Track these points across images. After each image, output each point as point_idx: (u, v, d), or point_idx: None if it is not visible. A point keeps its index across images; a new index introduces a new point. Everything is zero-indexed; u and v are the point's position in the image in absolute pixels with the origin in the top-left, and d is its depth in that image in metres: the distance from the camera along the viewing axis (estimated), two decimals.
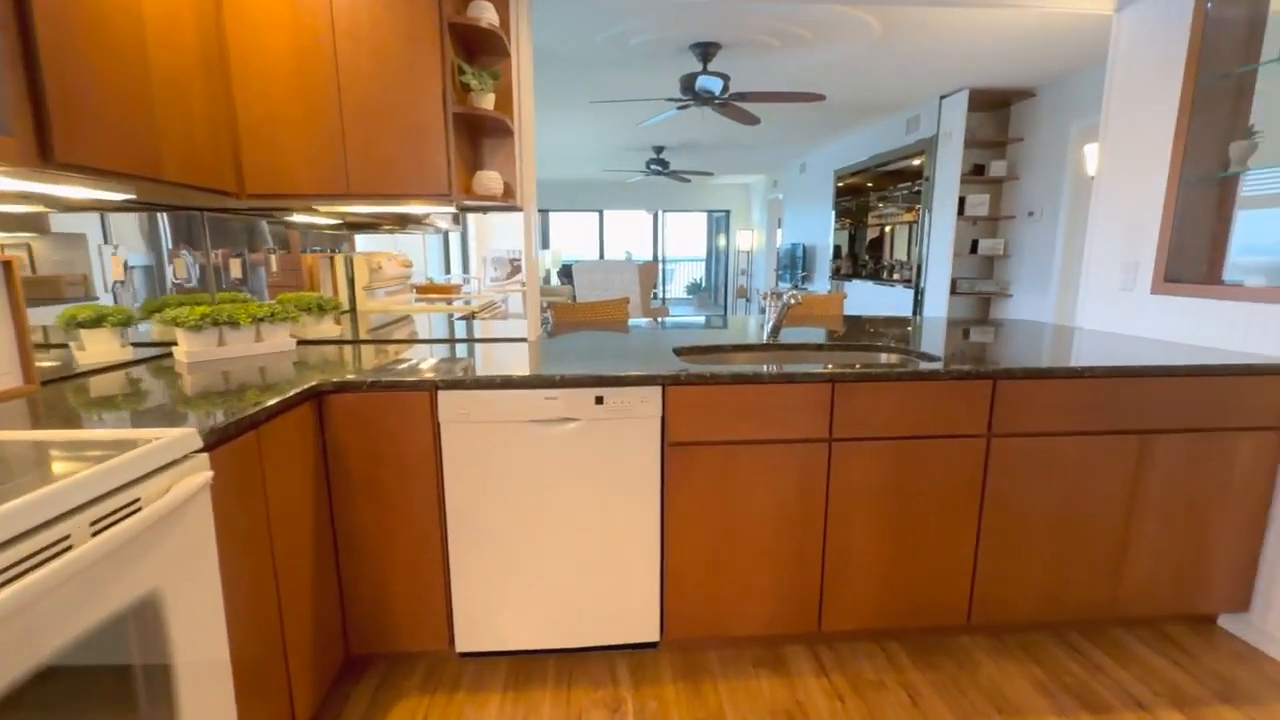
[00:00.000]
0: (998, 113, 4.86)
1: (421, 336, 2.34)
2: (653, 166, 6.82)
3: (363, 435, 1.52)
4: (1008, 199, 4.84)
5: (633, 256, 13.24)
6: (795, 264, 8.11)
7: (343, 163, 1.72)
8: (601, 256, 12.23)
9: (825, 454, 1.63)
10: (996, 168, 4.70)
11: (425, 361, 1.70)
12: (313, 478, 1.45)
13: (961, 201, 4.69)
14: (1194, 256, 2.09)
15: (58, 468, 0.80)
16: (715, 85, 3.06)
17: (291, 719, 1.33)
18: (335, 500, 1.54)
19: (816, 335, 2.20)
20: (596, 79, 3.97)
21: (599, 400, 1.56)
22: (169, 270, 1.96)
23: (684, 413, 1.57)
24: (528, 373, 1.53)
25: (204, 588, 1.00)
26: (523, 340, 2.11)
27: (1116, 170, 2.29)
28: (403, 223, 2.38)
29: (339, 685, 1.66)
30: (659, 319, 2.86)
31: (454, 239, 2.47)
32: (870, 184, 7.02)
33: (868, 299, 6.35)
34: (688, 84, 3.24)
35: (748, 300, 10.22)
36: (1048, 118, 4.39)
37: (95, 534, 0.77)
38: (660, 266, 12.10)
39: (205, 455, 1.01)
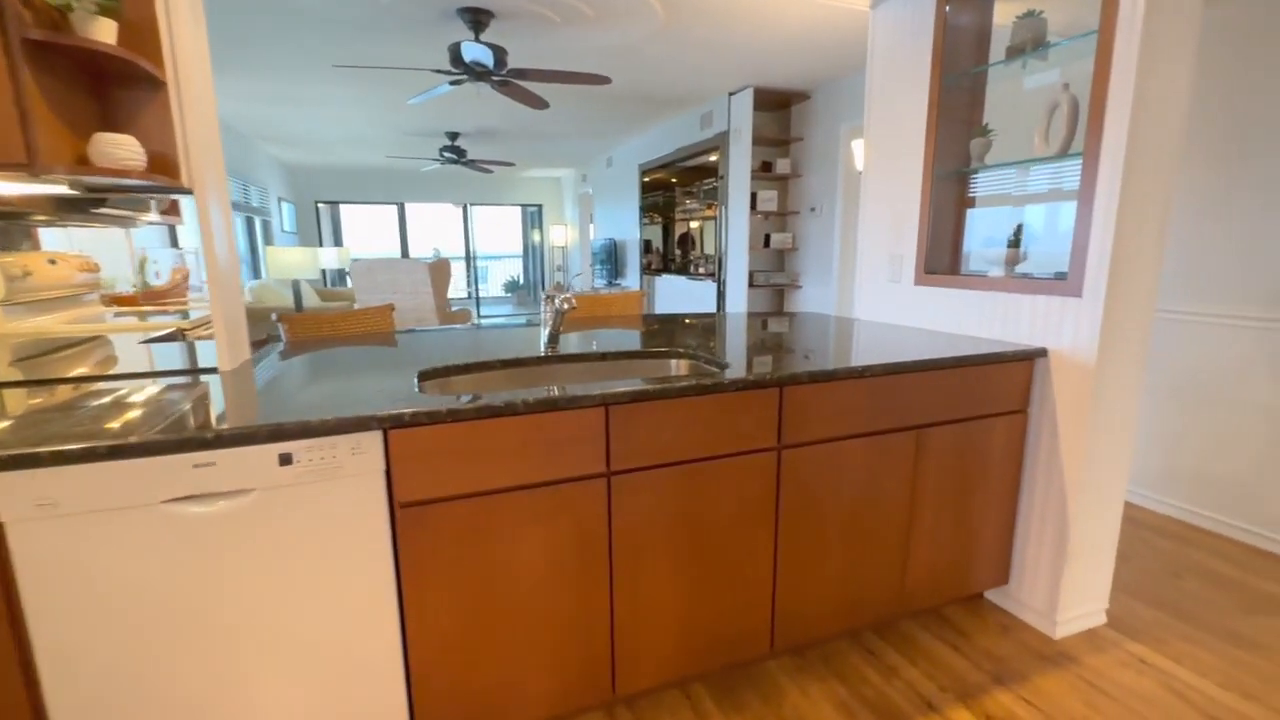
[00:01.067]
0: (780, 113, 5.11)
1: (82, 371, 1.64)
2: (446, 154, 6.19)
3: None
4: (793, 195, 5.11)
5: (440, 253, 12.28)
6: (611, 259, 8.01)
7: None
8: (405, 254, 11.16)
9: (604, 491, 1.35)
10: (782, 165, 4.93)
11: None
12: None
13: (754, 197, 4.85)
14: (946, 249, 2.20)
15: None
16: (485, 56, 2.67)
17: None
18: None
19: (611, 340, 1.94)
20: (347, 42, 3.34)
21: (285, 460, 1.11)
22: None
23: (417, 462, 1.19)
24: (193, 424, 1.03)
25: None
26: (210, 372, 1.54)
27: (880, 167, 2.35)
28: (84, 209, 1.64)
29: None
30: (470, 323, 2.41)
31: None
32: (675, 180, 7.13)
33: (677, 293, 6.41)
34: (456, 55, 2.81)
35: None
36: (822, 119, 4.68)
37: None
38: (471, 264, 11.36)
39: None
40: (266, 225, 7.13)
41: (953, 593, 1.86)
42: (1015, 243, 2.03)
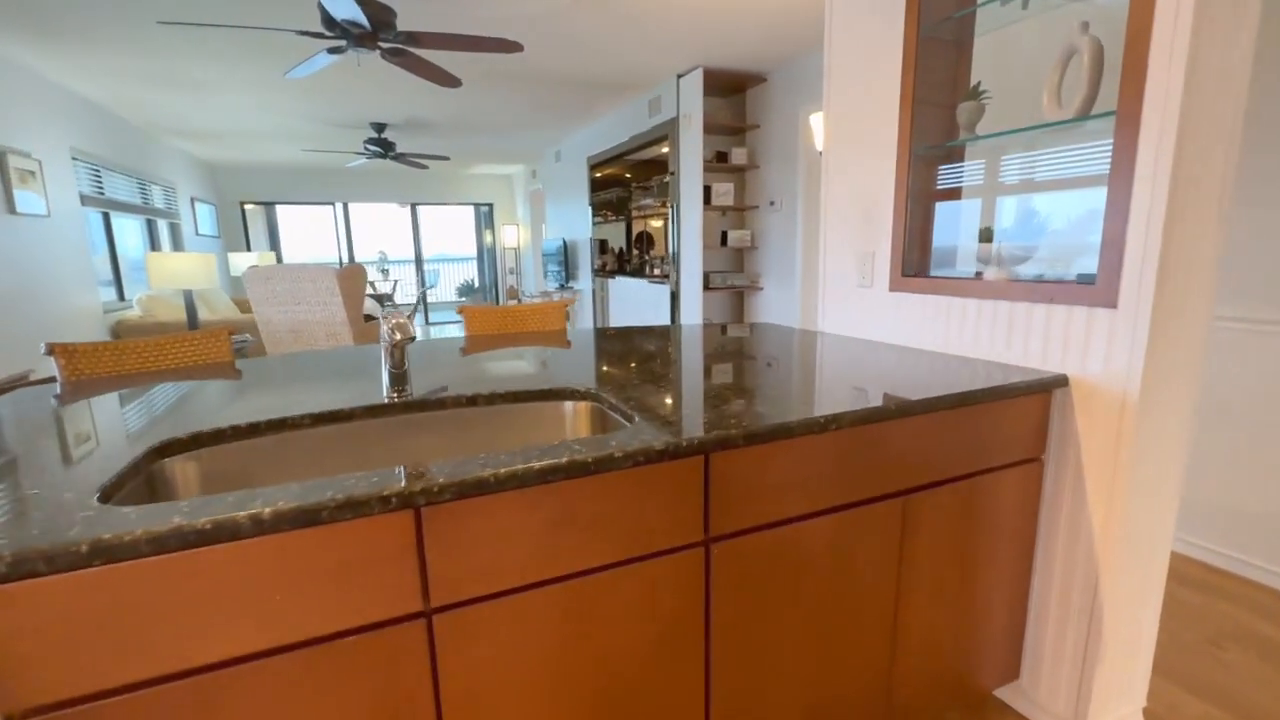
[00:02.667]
0: (734, 98, 4.66)
1: None
2: (371, 147, 5.58)
3: None
4: (751, 188, 4.67)
5: (387, 257, 11.60)
6: (563, 261, 7.49)
7: None
8: (351, 257, 10.46)
9: (423, 639, 0.85)
10: (738, 155, 4.49)
11: None
12: None
13: (708, 190, 4.39)
14: (928, 246, 1.75)
15: None
16: (355, 13, 2.13)
17: None
18: None
19: (497, 372, 1.44)
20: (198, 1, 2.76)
21: None
22: None
23: (38, 640, 0.67)
24: None
25: None
26: None
27: (844, 146, 1.89)
28: None
29: None
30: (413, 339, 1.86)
31: None
32: (629, 174, 6.65)
33: (631, 297, 5.93)
34: (327, 16, 2.27)
35: (519, 302, 9.39)
36: (780, 103, 4.24)
37: None
38: (420, 267, 10.70)
39: None
40: (175, 228, 6.40)
41: (953, 695, 1.41)
42: (992, 237, 1.59)
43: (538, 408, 1.32)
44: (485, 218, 10.98)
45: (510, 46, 2.54)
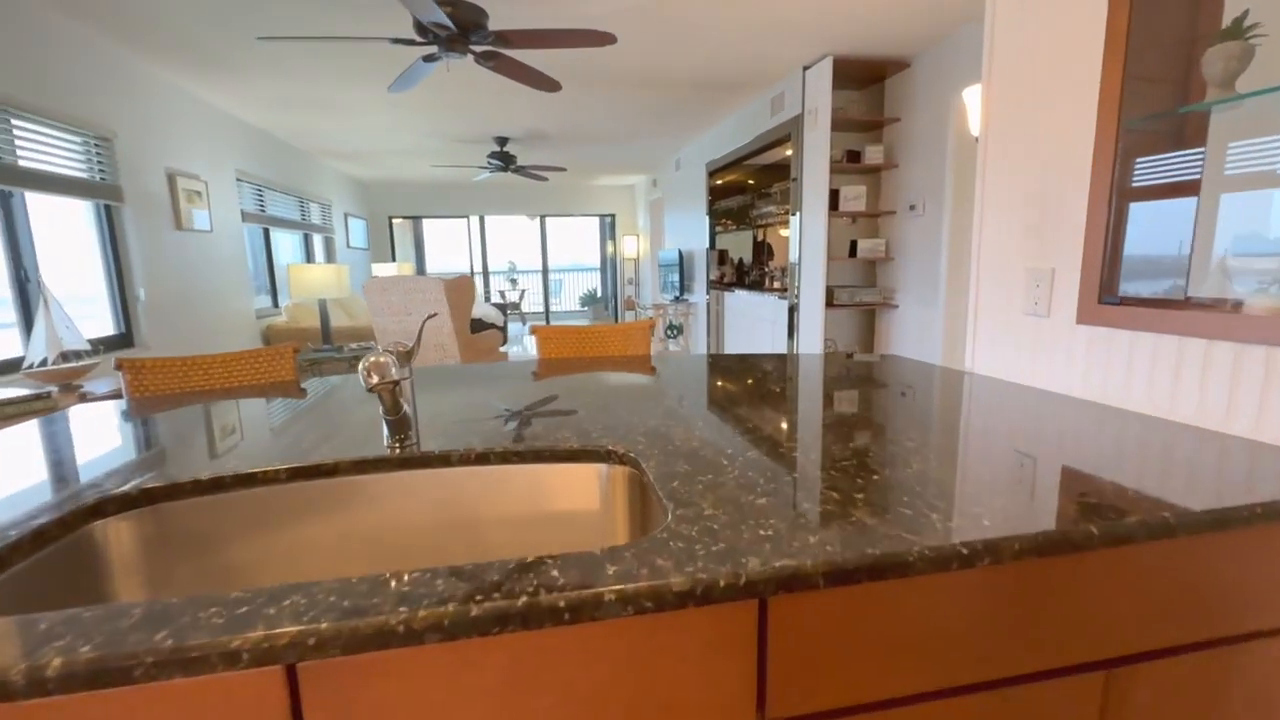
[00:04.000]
0: (870, 89, 4.11)
1: None
2: (493, 161, 5.71)
3: None
4: (887, 190, 4.08)
5: (516, 266, 12.10)
6: (682, 272, 7.23)
7: None
8: (484, 268, 11.03)
9: None
10: (872, 154, 3.93)
11: None
12: None
13: (835, 195, 3.89)
14: (1143, 260, 1.22)
15: None
16: (440, 16, 2.00)
17: None
18: None
19: (556, 406, 1.18)
20: (283, 15, 2.83)
21: None
22: None
23: None
24: None
25: None
26: None
27: (1012, 126, 1.41)
28: None
29: None
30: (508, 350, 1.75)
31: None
32: (750, 180, 6.25)
33: (747, 312, 5.51)
34: (418, 23, 2.19)
35: (635, 314, 9.29)
36: (925, 90, 3.64)
37: None
38: (545, 277, 11.00)
39: None
40: (329, 241, 7.04)
41: None
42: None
43: (564, 471, 1.02)
44: (609, 228, 11.06)
45: (602, 39, 2.31)
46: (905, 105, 3.83)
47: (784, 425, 1.12)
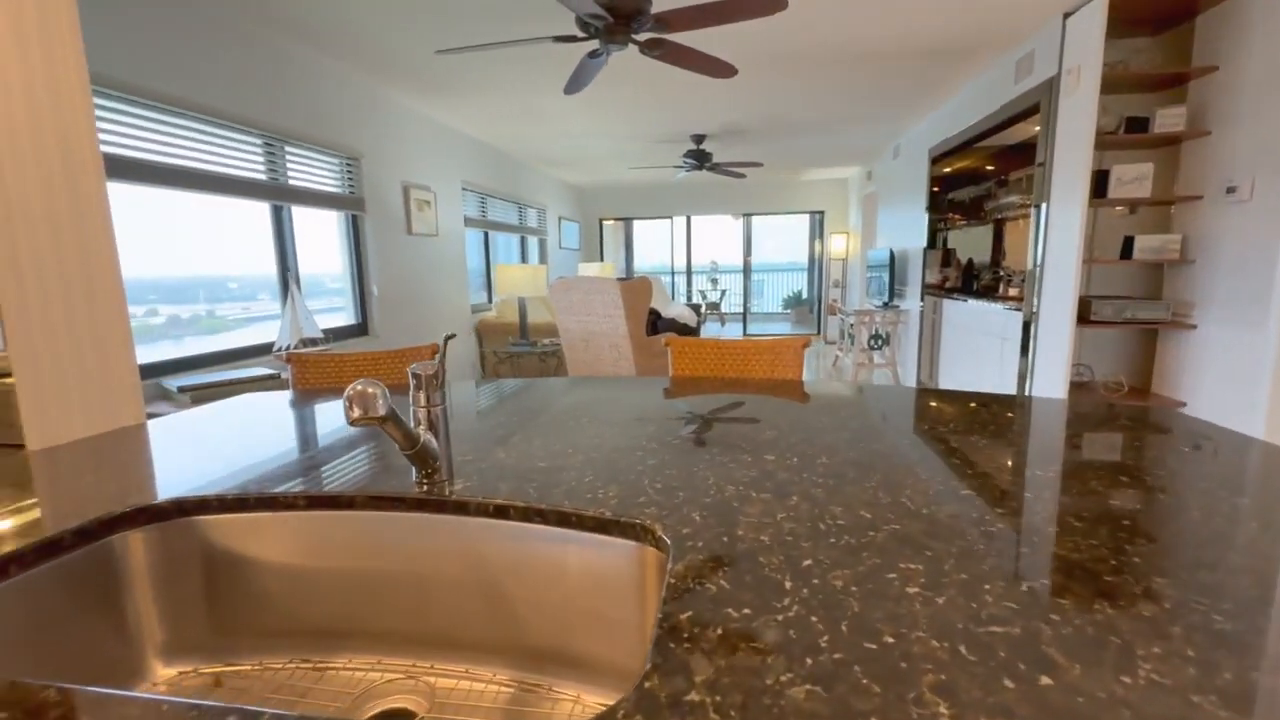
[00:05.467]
0: (1172, 33, 3.06)
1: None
2: (688, 160, 5.59)
3: None
4: (1189, 169, 3.01)
5: (718, 266, 11.99)
6: (892, 275, 6.38)
7: None
8: (687, 268, 11.13)
9: None
10: (1168, 119, 2.92)
11: None
12: None
13: (1102, 177, 2.97)
14: None
15: None
16: (588, 6, 1.86)
17: None
18: None
19: (642, 442, 0.97)
20: (453, 27, 2.93)
21: None
22: None
23: None
24: None
25: None
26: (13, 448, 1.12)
27: None
28: None
29: None
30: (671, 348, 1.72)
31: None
32: (990, 165, 5.22)
33: (967, 324, 4.59)
34: (580, 19, 2.09)
35: (843, 319, 8.51)
36: (1266, 26, 2.57)
37: None
38: (747, 277, 10.68)
39: None
40: (542, 243, 7.66)
41: None
42: None
43: (591, 543, 0.79)
44: (817, 226, 10.34)
45: (771, 6, 1.98)
46: (1229, 49, 2.75)
47: (1020, 511, 0.73)
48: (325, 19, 2.91)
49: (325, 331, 3.27)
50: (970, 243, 5.59)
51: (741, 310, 10.78)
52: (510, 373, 5.06)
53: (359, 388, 0.73)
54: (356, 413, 0.73)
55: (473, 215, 5.63)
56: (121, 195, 2.53)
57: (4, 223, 1.05)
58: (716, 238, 12.90)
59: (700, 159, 5.57)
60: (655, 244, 11.70)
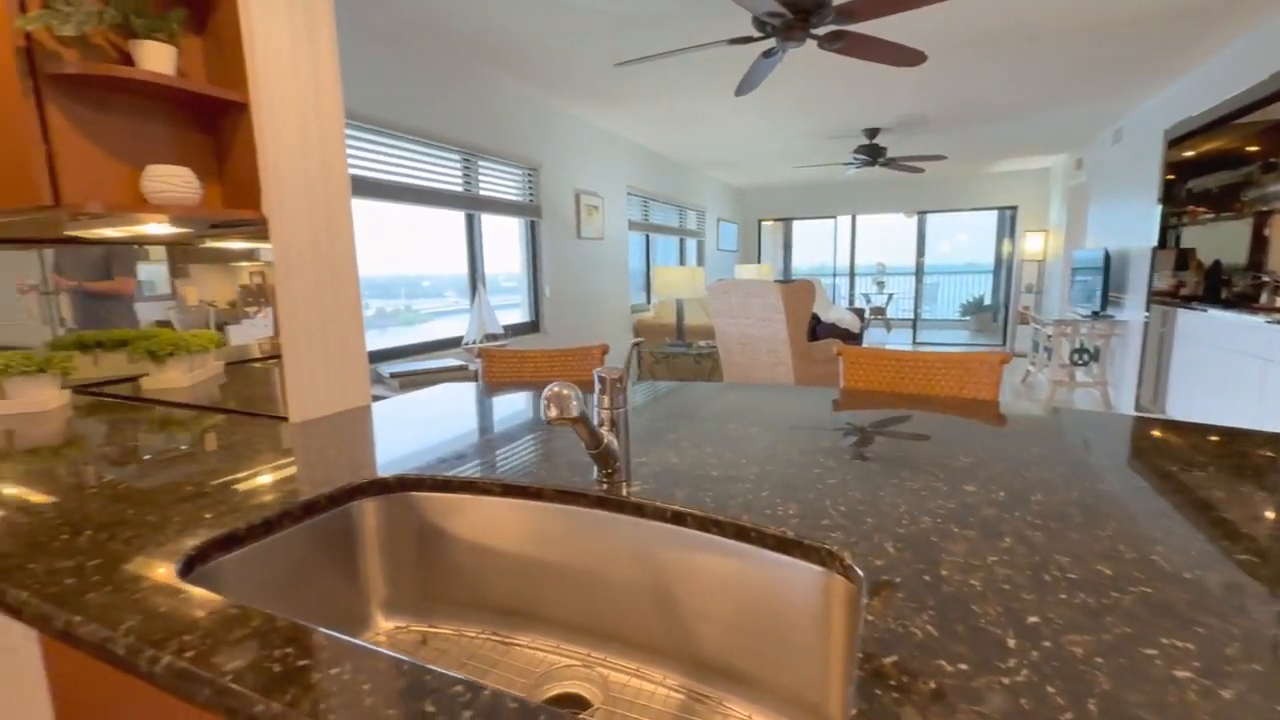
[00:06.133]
0: None
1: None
2: (859, 156, 5.26)
3: None
4: None
5: (885, 268, 11.21)
6: (1106, 279, 5.46)
7: None
8: (850, 270, 10.56)
9: None
10: None
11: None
12: None
13: None
14: None
15: None
16: (767, 4, 1.79)
17: None
18: None
19: (815, 458, 0.95)
20: (637, 37, 2.97)
21: None
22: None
23: (79, 705, 0.65)
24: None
25: None
26: (277, 419, 1.37)
27: None
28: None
29: None
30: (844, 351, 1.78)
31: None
32: (1253, 146, 4.25)
33: (1212, 340, 3.78)
34: (757, 18, 2.04)
35: (1036, 328, 7.48)
36: None
37: None
38: (919, 278, 9.83)
39: None
40: (700, 245, 7.71)
41: None
42: None
43: (769, 561, 0.76)
44: (1007, 224, 9.21)
45: None
46: None
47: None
48: (514, 44, 3.19)
49: (504, 327, 3.59)
50: (1216, 241, 4.61)
51: (911, 316, 9.96)
52: (665, 373, 5.16)
53: (555, 390, 0.78)
54: (553, 412, 0.78)
55: (636, 219, 5.83)
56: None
57: (285, 232, 1.29)
58: (884, 237, 12.04)
59: (873, 154, 5.22)
60: (815, 245, 11.24)
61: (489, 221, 3.92)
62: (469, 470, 1.00)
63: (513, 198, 4.02)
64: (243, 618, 0.58)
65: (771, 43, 2.23)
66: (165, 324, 2.02)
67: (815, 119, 4.92)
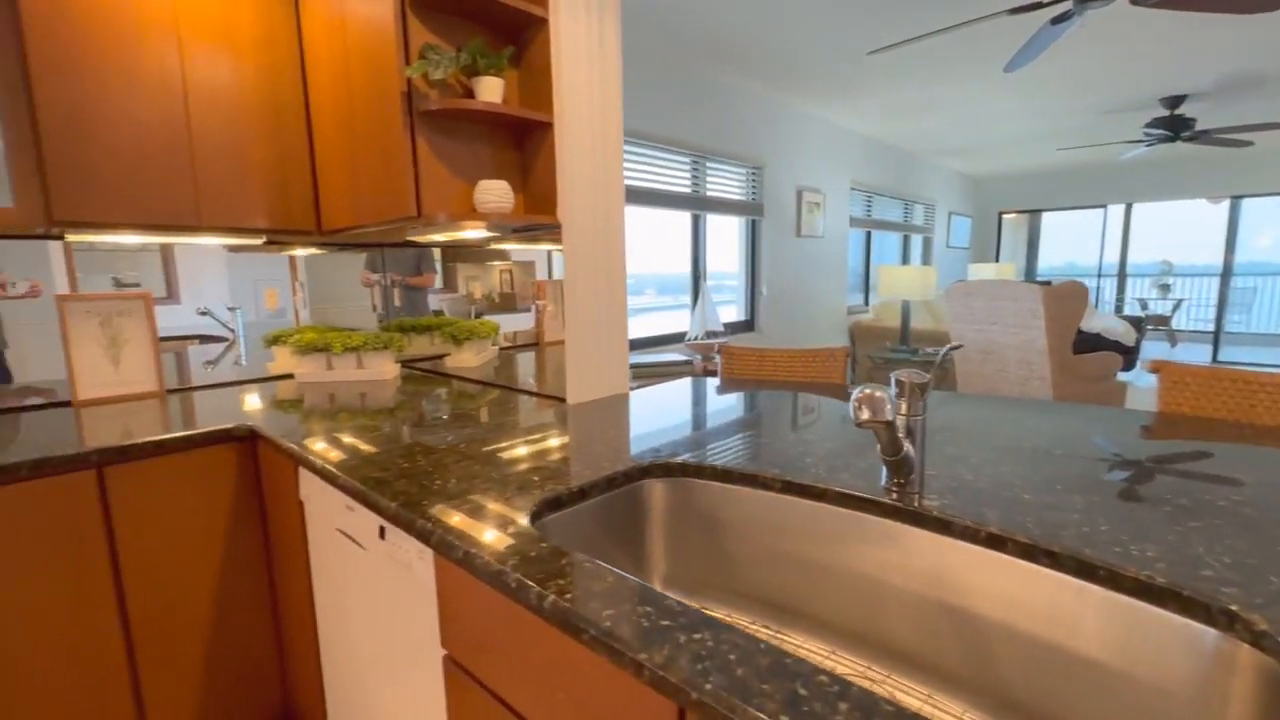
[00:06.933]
0: None
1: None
2: (1154, 132, 4.30)
3: (256, 493, 1.39)
4: None
5: (1172, 268, 9.14)
6: None
7: (353, 192, 1.60)
8: (1121, 269, 8.82)
9: None
10: None
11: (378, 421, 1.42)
12: (230, 525, 1.39)
13: None
14: None
15: None
16: None
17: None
18: (272, 551, 1.46)
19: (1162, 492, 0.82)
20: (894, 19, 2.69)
21: (381, 533, 0.97)
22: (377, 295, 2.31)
23: (463, 612, 0.81)
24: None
25: None
26: (557, 400, 1.55)
27: None
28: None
29: None
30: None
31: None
32: None
33: None
34: None
35: None
36: None
37: None
38: (1225, 279, 7.82)
39: None
40: (927, 241, 7.03)
41: None
42: None
43: (1122, 607, 0.65)
44: None
45: None
46: None
47: None
48: (748, 41, 3.20)
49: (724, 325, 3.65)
50: None
51: (1211, 328, 7.95)
52: (884, 381, 4.81)
53: (869, 392, 0.76)
54: (865, 414, 0.76)
55: (857, 215, 5.51)
56: None
57: (575, 235, 1.45)
58: (1170, 230, 9.82)
59: (1174, 127, 4.24)
60: (1069, 240, 9.55)
61: (712, 221, 4.02)
62: (733, 461, 1.03)
63: (736, 197, 4.06)
64: (597, 573, 0.67)
65: (1067, 4, 1.91)
66: (439, 313, 2.44)
67: (1095, 92, 4.15)
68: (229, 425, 1.36)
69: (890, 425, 0.77)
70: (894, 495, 0.87)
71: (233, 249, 1.93)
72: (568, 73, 1.40)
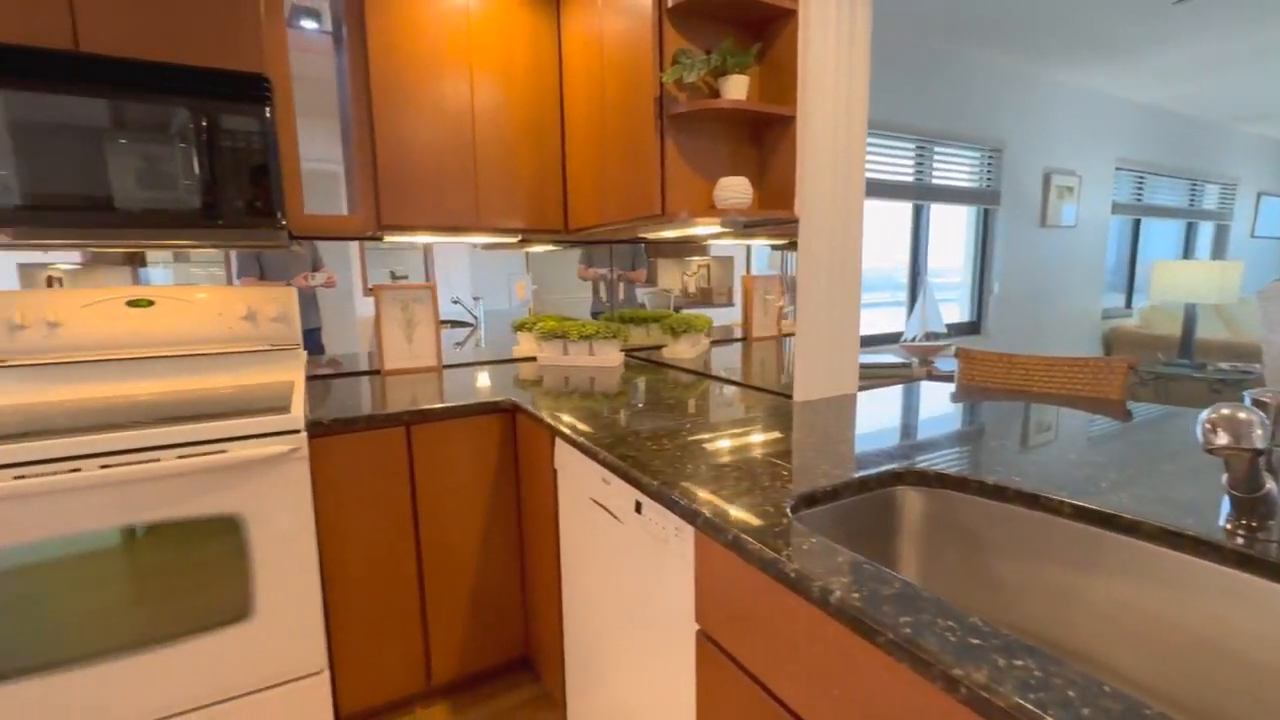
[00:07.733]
0: None
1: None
2: None
3: (513, 457, 1.58)
4: None
5: None
6: None
7: (599, 194, 1.74)
8: None
9: None
10: None
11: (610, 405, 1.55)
12: (493, 483, 1.62)
13: None
14: None
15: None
16: None
17: (426, 669, 1.60)
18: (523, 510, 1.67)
19: None
20: None
21: (638, 507, 1.05)
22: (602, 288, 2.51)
23: (723, 592, 0.85)
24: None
25: (294, 523, 1.37)
26: (783, 397, 1.53)
27: None
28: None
29: (509, 673, 1.79)
30: None
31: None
32: None
33: None
34: None
35: None
36: None
37: (181, 457, 1.24)
38: None
39: (303, 434, 1.36)
40: (1221, 230, 5.64)
41: None
42: None
43: None
44: None
45: None
46: None
47: None
48: (998, 5, 2.83)
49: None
50: None
51: None
52: (1152, 399, 3.97)
53: (1228, 412, 0.63)
54: (1222, 439, 0.63)
55: (1123, 200, 4.61)
56: None
57: (812, 231, 1.43)
58: None
59: None
60: None
61: (936, 211, 3.66)
62: (996, 476, 0.92)
63: (966, 184, 3.65)
64: (880, 575, 0.65)
65: None
66: (640, 305, 2.54)
67: None
68: (497, 398, 1.58)
69: (1254, 455, 0.63)
70: (1240, 540, 0.72)
71: (486, 247, 2.23)
72: (815, 64, 1.36)
